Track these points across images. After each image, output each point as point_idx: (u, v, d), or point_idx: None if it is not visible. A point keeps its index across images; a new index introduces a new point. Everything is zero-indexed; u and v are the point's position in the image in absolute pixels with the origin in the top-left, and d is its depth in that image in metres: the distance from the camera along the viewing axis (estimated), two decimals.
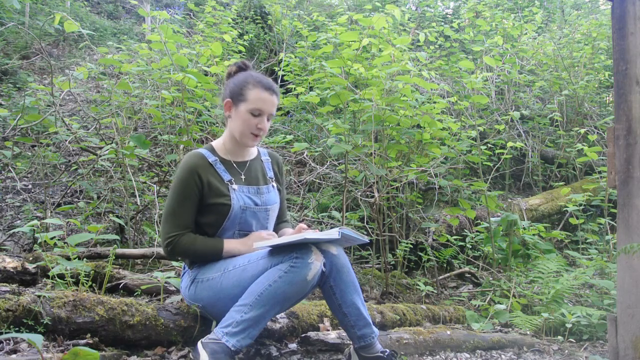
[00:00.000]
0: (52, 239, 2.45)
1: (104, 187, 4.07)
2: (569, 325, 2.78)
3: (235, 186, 2.07)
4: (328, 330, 2.33)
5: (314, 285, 1.90)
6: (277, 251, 1.90)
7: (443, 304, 3.30)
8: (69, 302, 1.89)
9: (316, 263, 1.85)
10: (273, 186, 2.20)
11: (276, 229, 2.27)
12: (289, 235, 2.00)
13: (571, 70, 6.16)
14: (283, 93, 4.91)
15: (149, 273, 2.88)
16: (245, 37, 6.46)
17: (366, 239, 2.03)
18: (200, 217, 2.05)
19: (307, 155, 4.25)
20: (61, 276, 2.35)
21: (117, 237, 3.00)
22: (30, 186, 4.32)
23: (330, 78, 3.32)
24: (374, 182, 3.50)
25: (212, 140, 3.91)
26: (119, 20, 9.92)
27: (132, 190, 3.43)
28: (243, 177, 2.12)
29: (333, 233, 1.87)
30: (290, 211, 3.97)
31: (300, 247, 1.86)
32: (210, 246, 2.01)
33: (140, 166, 4.41)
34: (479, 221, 4.36)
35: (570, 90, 5.85)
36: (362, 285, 3.37)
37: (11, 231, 3.45)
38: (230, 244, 2.02)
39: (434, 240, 4.03)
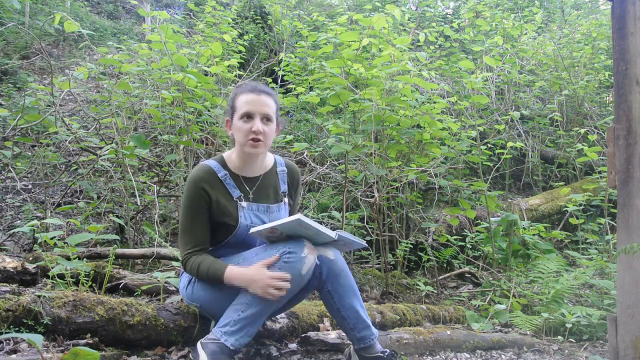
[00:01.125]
0: (52, 239, 2.45)
1: (104, 187, 4.07)
2: (569, 325, 2.78)
3: (244, 203, 2.01)
4: (328, 330, 2.33)
5: (309, 279, 1.88)
6: (271, 247, 1.89)
7: (443, 304, 3.30)
8: (69, 302, 1.88)
9: (310, 257, 1.84)
10: (285, 203, 2.12)
11: None
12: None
13: (571, 70, 6.16)
14: (283, 93, 4.91)
15: (149, 273, 2.88)
16: (245, 37, 6.46)
17: (364, 243, 2.02)
18: None
19: (307, 155, 4.25)
20: (61, 276, 2.35)
21: (117, 237, 3.00)
22: (30, 186, 4.32)
23: (330, 78, 3.32)
24: (374, 182, 3.50)
25: (212, 140, 3.93)
26: (119, 20, 9.92)
27: (132, 190, 3.43)
28: (251, 195, 2.04)
29: (330, 232, 1.87)
30: None
31: (293, 242, 1.85)
32: (211, 271, 1.89)
33: (140, 166, 4.41)
34: (479, 221, 4.36)
35: (570, 90, 5.85)
36: (362, 285, 3.37)
37: (11, 231, 3.45)
38: (233, 271, 1.87)
39: (434, 240, 4.03)
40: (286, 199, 2.14)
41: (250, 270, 1.83)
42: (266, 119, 1.98)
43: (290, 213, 2.17)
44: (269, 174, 2.12)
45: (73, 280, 2.38)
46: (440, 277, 3.79)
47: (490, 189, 4.78)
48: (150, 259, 3.00)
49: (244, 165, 2.05)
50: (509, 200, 5.37)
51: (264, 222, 2.01)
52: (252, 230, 1.89)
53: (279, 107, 2.08)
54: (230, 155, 2.08)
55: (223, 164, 2.05)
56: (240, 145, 1.99)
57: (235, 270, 1.86)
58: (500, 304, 3.12)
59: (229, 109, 2.05)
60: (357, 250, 3.92)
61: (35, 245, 3.17)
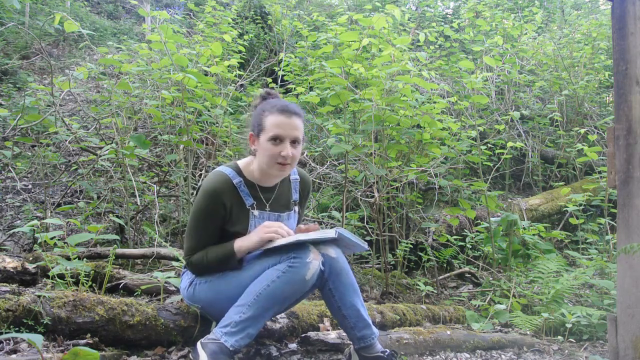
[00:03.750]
0: (52, 239, 2.45)
1: (104, 187, 4.07)
2: (569, 325, 2.78)
3: (256, 212, 2.01)
4: (328, 330, 2.33)
5: (313, 284, 1.89)
6: (274, 251, 1.89)
7: (443, 304, 3.30)
8: (69, 302, 1.88)
9: (314, 262, 1.84)
10: (295, 211, 2.14)
11: None
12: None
13: (571, 70, 6.16)
14: (283, 93, 4.91)
15: (149, 273, 2.88)
16: (245, 37, 6.45)
17: (365, 245, 2.01)
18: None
19: (307, 155, 4.25)
20: (61, 276, 2.35)
21: (117, 237, 3.00)
22: (30, 186, 4.32)
23: (330, 78, 3.32)
24: (374, 182, 3.50)
25: (212, 140, 3.93)
26: (119, 20, 9.93)
27: (132, 190, 3.43)
28: (266, 203, 2.05)
29: (330, 232, 1.87)
30: None
31: (298, 247, 1.86)
32: (220, 253, 1.93)
33: (140, 166, 4.41)
34: (479, 221, 4.36)
35: (570, 90, 5.85)
36: (362, 286, 3.37)
37: (11, 231, 3.45)
38: (239, 242, 1.93)
39: (434, 240, 4.03)
40: (296, 208, 2.15)
41: (252, 233, 1.94)
42: (295, 142, 1.96)
43: (298, 222, 2.18)
44: (283, 182, 2.11)
45: (73, 280, 2.38)
46: (440, 277, 3.79)
47: (490, 189, 4.78)
48: (150, 259, 3.00)
49: (262, 178, 2.03)
50: (509, 200, 5.37)
51: None
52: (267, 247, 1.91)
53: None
54: (248, 166, 2.04)
55: (238, 171, 2.02)
56: (267, 165, 1.95)
57: (240, 241, 1.94)
58: (500, 304, 3.12)
59: (256, 126, 1.98)
60: (358, 252, 3.91)
61: (35, 245, 3.17)
